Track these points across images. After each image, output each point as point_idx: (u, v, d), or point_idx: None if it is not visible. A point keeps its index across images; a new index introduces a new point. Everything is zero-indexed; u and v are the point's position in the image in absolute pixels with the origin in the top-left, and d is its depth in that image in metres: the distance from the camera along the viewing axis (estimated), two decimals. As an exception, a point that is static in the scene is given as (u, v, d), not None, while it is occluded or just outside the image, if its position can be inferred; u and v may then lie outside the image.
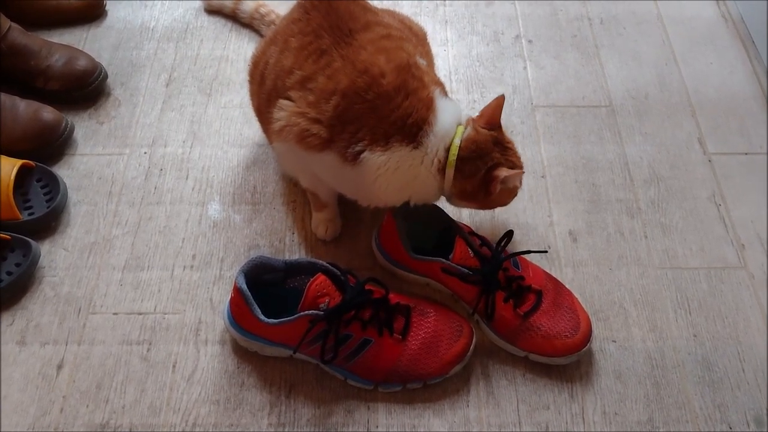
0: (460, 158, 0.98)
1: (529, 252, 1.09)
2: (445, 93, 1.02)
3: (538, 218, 1.22)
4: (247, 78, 1.16)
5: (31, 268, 1.12)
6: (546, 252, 1.16)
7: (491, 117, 1.02)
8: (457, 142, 0.99)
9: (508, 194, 1.06)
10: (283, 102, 1.01)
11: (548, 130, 1.35)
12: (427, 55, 1.10)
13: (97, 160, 1.29)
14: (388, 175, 0.97)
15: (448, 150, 0.99)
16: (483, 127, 1.01)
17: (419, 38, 1.10)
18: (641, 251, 1.19)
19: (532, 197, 1.25)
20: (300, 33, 1.02)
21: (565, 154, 1.32)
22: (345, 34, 0.99)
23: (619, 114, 1.38)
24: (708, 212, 1.24)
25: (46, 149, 1.26)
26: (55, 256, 1.16)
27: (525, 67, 1.46)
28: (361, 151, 0.96)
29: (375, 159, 0.96)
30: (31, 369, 1.05)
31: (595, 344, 1.08)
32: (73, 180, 1.25)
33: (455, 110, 1.02)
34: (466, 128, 1.00)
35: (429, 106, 0.97)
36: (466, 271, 1.05)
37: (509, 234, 1.06)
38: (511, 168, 1.01)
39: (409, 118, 0.96)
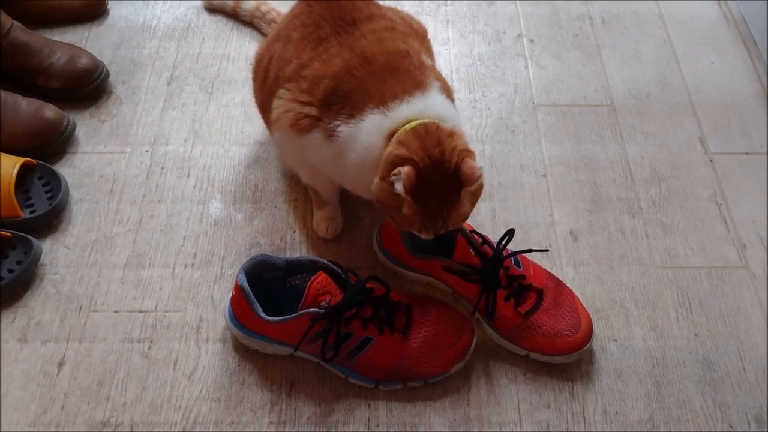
0: (413, 131, 0.90)
1: (530, 251, 1.09)
2: (448, 94, 1.00)
3: (540, 217, 1.22)
4: (251, 76, 1.17)
5: (33, 265, 1.12)
6: (547, 251, 1.16)
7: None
8: (419, 122, 0.91)
9: (391, 203, 0.92)
10: (280, 91, 1.02)
11: (549, 129, 1.35)
12: (429, 52, 1.10)
13: (99, 158, 1.29)
14: (355, 147, 0.94)
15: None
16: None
17: (420, 35, 1.10)
18: (642, 250, 1.19)
19: (534, 196, 1.25)
20: (302, 25, 1.03)
21: (567, 153, 1.32)
22: (347, 23, 0.99)
23: (621, 113, 1.38)
24: (709, 212, 1.24)
25: (47, 147, 1.26)
26: (56, 253, 1.16)
27: (526, 67, 1.46)
28: (338, 125, 0.95)
29: (347, 131, 0.94)
30: (32, 366, 1.05)
31: (596, 343, 1.08)
32: (74, 178, 1.25)
33: (448, 109, 0.97)
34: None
35: (419, 86, 0.94)
36: (467, 269, 1.05)
37: (510, 233, 1.06)
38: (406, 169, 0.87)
39: (389, 91, 0.93)
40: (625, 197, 1.25)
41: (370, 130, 0.93)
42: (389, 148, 0.91)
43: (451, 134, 0.91)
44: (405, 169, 0.86)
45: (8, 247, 1.12)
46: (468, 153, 0.90)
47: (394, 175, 0.87)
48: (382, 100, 0.93)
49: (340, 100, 0.95)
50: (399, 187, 0.86)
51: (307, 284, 0.97)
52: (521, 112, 1.38)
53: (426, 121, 0.92)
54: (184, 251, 1.17)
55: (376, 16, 1.02)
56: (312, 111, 0.97)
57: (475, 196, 0.93)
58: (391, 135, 0.92)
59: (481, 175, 0.88)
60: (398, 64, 0.96)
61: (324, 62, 0.98)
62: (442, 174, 0.89)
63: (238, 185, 1.26)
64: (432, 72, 0.99)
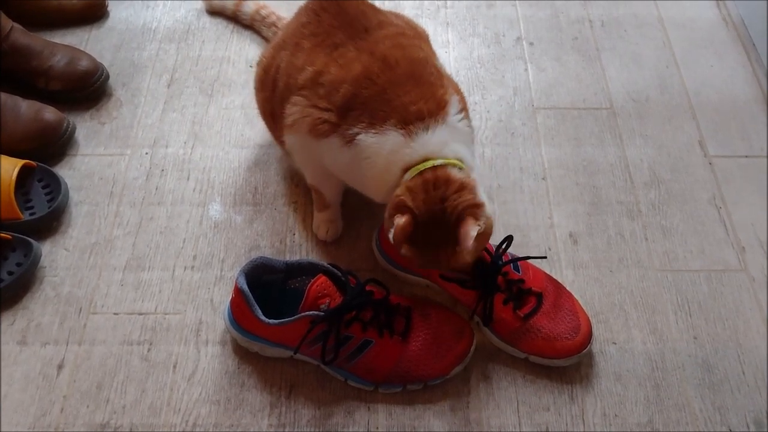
0: (423, 179, 0.91)
1: (528, 258, 1.09)
2: (463, 105, 0.99)
3: (539, 220, 1.22)
4: (256, 85, 1.16)
5: (32, 267, 1.12)
6: (545, 258, 1.15)
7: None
8: (442, 162, 0.92)
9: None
10: (295, 98, 1.02)
11: (549, 132, 1.36)
12: (432, 56, 1.10)
13: (99, 161, 1.29)
14: (374, 158, 0.95)
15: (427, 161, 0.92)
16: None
17: (423, 39, 1.10)
18: (642, 253, 1.19)
19: (533, 199, 1.25)
20: (311, 35, 1.02)
21: (566, 156, 1.32)
22: (360, 31, 1.00)
23: (620, 116, 1.38)
24: (708, 215, 1.24)
25: (47, 149, 1.26)
26: (56, 256, 1.16)
27: (526, 69, 1.46)
28: (358, 133, 0.95)
29: (367, 140, 0.94)
30: (31, 369, 1.05)
31: (596, 346, 1.08)
32: (74, 180, 1.25)
33: (464, 137, 0.97)
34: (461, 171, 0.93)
35: (441, 106, 0.94)
36: (465, 277, 1.05)
37: (509, 239, 1.06)
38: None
39: (413, 106, 0.93)
40: (625, 200, 1.26)
41: (390, 152, 0.93)
42: (398, 190, 0.92)
43: (461, 188, 0.91)
44: (400, 222, 0.88)
45: (8, 249, 1.12)
46: (473, 209, 0.90)
47: (393, 219, 0.90)
48: (405, 118, 0.93)
49: (359, 107, 0.95)
50: (391, 235, 0.89)
51: (306, 287, 0.97)
52: (521, 114, 1.38)
53: (438, 164, 0.91)
54: (184, 254, 1.17)
55: (384, 24, 1.02)
56: (331, 117, 0.97)
57: (481, 242, 0.92)
58: (408, 167, 0.93)
59: (475, 236, 0.87)
60: (420, 73, 0.96)
61: (342, 67, 0.97)
62: (440, 227, 0.90)
63: (237, 188, 1.26)
64: (450, 83, 1.00)
